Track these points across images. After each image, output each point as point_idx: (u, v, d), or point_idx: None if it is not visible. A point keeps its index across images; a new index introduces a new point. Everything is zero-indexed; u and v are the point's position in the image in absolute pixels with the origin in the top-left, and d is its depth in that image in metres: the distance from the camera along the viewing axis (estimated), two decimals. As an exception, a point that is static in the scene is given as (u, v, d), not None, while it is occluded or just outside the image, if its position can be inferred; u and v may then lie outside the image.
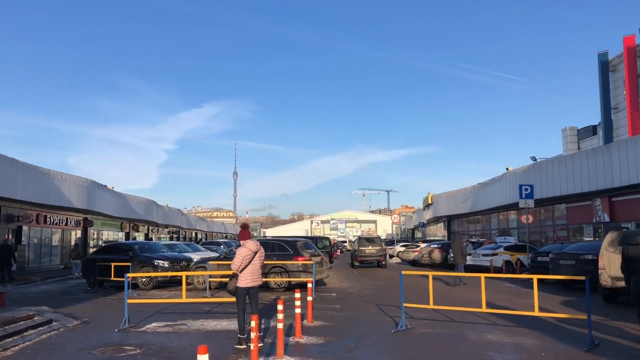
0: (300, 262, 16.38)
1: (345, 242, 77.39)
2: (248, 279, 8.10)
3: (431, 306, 9.39)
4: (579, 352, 7.40)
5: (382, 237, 69.84)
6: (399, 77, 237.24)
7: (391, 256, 43.16)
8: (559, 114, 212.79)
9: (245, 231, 8.28)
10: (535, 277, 8.25)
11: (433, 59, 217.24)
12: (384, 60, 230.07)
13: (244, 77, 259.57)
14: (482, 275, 8.87)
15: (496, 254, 23.24)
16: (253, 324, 6.23)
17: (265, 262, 17.01)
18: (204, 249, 27.67)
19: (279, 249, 16.95)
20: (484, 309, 8.79)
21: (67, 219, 31.71)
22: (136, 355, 7.63)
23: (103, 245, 27.06)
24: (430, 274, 9.59)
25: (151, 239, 47.83)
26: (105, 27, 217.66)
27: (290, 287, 16.70)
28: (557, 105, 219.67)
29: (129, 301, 10.30)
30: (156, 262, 18.39)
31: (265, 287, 17.05)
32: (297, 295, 8.87)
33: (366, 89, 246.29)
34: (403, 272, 9.58)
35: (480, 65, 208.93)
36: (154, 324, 10.40)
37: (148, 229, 50.34)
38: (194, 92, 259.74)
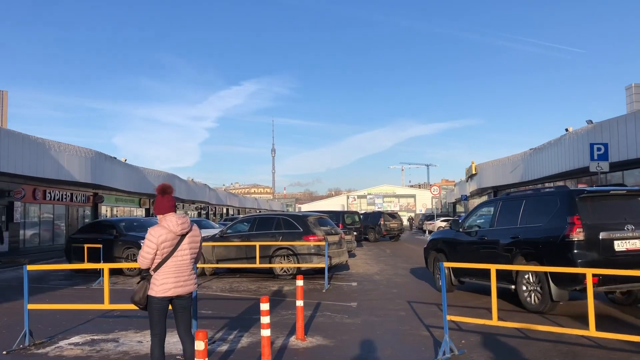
0: (311, 242, 12.78)
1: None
2: (169, 282, 4.55)
3: (495, 322, 5.60)
4: None
5: (422, 212, 65.77)
6: (442, 49, 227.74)
7: (431, 232, 39.31)
8: (616, 77, 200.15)
9: (164, 199, 4.70)
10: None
11: (476, 28, 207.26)
12: (425, 32, 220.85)
13: (283, 54, 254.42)
14: (589, 271, 5.02)
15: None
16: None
17: (268, 243, 13.54)
18: (218, 225, 24.50)
19: (285, 226, 13.39)
20: (593, 332, 4.95)
21: (71, 194, 29.01)
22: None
23: (87, 222, 24.18)
24: (493, 267, 5.76)
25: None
26: (145, 7, 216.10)
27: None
28: (614, 69, 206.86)
29: (31, 307, 6.92)
30: (142, 242, 15.14)
31: (269, 273, 13.62)
32: (264, 306, 5.25)
33: (407, 62, 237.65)
34: (445, 265, 5.81)
35: (530, 36, 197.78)
36: (74, 338, 7.07)
37: (172, 205, 47.72)
38: (234, 70, 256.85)
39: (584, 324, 6.67)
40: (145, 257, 4.53)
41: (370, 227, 31.25)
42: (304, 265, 12.79)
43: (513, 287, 8.44)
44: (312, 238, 12.86)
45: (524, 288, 8.26)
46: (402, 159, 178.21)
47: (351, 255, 18.92)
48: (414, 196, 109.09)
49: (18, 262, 19.93)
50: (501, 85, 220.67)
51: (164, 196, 4.70)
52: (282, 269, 13.08)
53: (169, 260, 4.57)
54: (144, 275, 4.67)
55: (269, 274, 13.64)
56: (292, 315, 8.17)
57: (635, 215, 7.78)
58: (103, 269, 9.80)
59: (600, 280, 7.10)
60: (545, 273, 7.68)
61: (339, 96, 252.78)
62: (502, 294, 10.08)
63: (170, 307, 4.74)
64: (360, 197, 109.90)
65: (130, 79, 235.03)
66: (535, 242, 8.18)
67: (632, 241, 7.53)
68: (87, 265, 11.12)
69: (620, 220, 7.62)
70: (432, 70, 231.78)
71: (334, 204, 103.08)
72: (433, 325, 7.39)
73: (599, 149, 17.80)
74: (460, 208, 65.67)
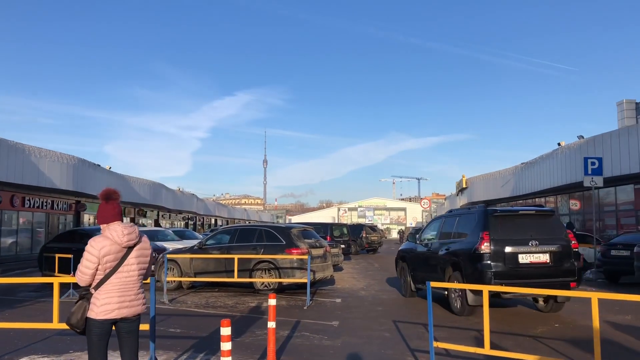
0: (294, 256, 12.13)
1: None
2: (112, 302, 3.92)
3: (487, 351, 5.00)
4: None
5: (412, 225, 65.32)
6: (435, 65, 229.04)
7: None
8: (607, 93, 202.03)
9: (108, 205, 4.07)
10: None
11: (469, 45, 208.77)
12: (418, 48, 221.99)
13: (276, 66, 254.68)
14: (594, 295, 4.45)
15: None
16: None
17: (249, 256, 12.80)
18: (202, 236, 23.79)
19: (267, 239, 12.75)
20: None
21: (52, 201, 28.16)
22: None
23: (63, 231, 23.36)
24: (485, 288, 5.17)
25: (160, 225, 44.34)
26: (140, 17, 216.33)
27: (282, 289, 12.61)
28: (605, 85, 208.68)
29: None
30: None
31: (249, 287, 12.94)
32: (225, 331, 4.59)
33: (401, 77, 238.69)
34: (433, 285, 5.22)
35: (521, 53, 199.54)
36: (22, 361, 6.39)
37: (158, 215, 46.88)
38: (228, 80, 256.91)
39: (587, 350, 6.11)
40: (84, 272, 3.89)
41: (352, 240, 30.81)
42: (286, 280, 12.14)
43: (446, 292, 9.62)
44: (295, 251, 12.21)
45: (453, 294, 9.35)
46: (394, 172, 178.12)
47: (338, 269, 18.30)
48: (404, 209, 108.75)
49: (-9, 272, 19.15)
50: (493, 101, 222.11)
51: (108, 202, 4.08)
52: (263, 283, 12.42)
53: (112, 276, 3.94)
54: (83, 293, 4.03)
55: (250, 288, 12.97)
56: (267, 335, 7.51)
57: (541, 232, 8.83)
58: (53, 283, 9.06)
59: None
60: (464, 281, 8.74)
61: (332, 109, 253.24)
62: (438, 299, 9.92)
63: (114, 328, 4.09)
64: (351, 209, 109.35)
65: (123, 88, 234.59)
66: (458, 254, 9.25)
67: (535, 255, 8.63)
68: (36, 280, 10.46)
69: (526, 237, 8.67)
70: (425, 85, 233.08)
71: (325, 216, 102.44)
72: (419, 349, 6.77)
73: (593, 164, 17.37)
74: (450, 222, 65.06)
